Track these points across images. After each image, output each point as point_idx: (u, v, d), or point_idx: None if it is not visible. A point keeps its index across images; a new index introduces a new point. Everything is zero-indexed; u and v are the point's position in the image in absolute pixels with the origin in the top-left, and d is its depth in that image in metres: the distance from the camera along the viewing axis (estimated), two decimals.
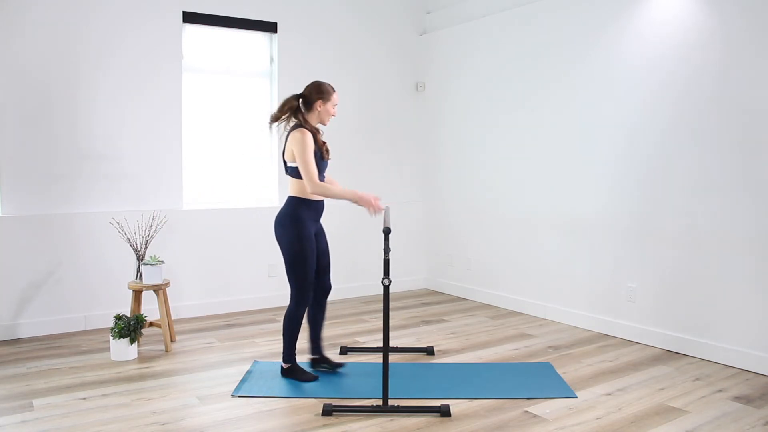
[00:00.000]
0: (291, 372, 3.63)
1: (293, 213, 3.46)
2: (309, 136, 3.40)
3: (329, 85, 3.58)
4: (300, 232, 3.44)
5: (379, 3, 6.07)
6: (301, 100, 3.52)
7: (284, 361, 3.63)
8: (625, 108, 4.46)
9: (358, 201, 3.44)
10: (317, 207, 3.56)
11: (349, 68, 5.90)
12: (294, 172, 3.46)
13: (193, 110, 5.21)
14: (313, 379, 3.62)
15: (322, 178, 3.53)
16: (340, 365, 3.82)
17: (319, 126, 3.62)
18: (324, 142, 3.55)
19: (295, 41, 5.60)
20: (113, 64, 4.77)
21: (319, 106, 3.51)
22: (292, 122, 3.53)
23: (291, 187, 3.51)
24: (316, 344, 3.80)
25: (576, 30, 4.78)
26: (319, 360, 3.79)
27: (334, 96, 3.57)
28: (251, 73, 5.50)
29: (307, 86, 3.55)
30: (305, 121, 3.50)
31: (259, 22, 5.41)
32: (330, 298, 5.65)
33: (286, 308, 3.61)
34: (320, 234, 3.67)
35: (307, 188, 3.39)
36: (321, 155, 3.50)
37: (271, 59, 5.57)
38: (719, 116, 3.92)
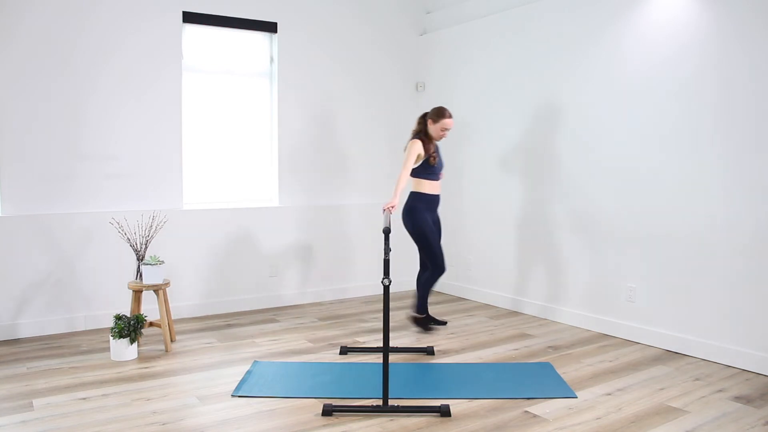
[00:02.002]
0: (423, 321, 4.69)
1: (410, 205, 4.53)
2: (417, 144, 4.38)
3: (447, 111, 4.47)
4: (415, 217, 4.49)
5: (379, 3, 6.07)
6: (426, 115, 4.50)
7: (419, 312, 4.69)
8: (625, 108, 4.46)
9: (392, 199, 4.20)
10: (430, 199, 4.55)
11: (349, 68, 5.90)
12: (412, 172, 4.40)
13: (193, 110, 5.20)
14: (443, 323, 4.80)
15: (437, 177, 4.54)
16: (444, 322, 4.81)
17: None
18: (433, 151, 4.47)
19: (295, 41, 5.59)
20: (113, 64, 4.77)
21: (431, 124, 4.45)
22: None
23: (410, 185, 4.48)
24: (425, 304, 4.68)
25: (576, 30, 4.78)
26: (427, 319, 4.72)
27: (444, 121, 4.43)
28: (251, 73, 5.50)
29: (434, 107, 4.53)
30: (425, 132, 4.47)
31: (259, 22, 5.41)
32: (330, 298, 5.71)
33: (420, 274, 4.70)
34: (436, 221, 4.66)
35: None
36: (428, 160, 4.44)
37: (271, 59, 5.57)
38: (720, 117, 3.91)
